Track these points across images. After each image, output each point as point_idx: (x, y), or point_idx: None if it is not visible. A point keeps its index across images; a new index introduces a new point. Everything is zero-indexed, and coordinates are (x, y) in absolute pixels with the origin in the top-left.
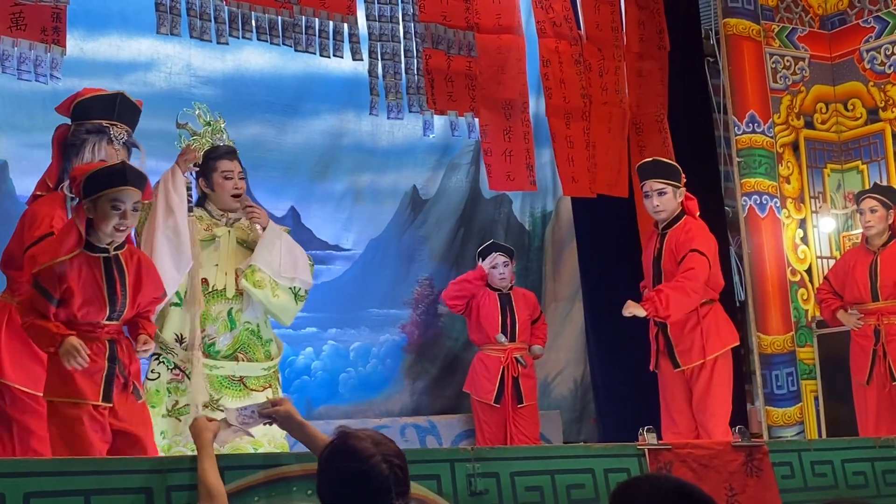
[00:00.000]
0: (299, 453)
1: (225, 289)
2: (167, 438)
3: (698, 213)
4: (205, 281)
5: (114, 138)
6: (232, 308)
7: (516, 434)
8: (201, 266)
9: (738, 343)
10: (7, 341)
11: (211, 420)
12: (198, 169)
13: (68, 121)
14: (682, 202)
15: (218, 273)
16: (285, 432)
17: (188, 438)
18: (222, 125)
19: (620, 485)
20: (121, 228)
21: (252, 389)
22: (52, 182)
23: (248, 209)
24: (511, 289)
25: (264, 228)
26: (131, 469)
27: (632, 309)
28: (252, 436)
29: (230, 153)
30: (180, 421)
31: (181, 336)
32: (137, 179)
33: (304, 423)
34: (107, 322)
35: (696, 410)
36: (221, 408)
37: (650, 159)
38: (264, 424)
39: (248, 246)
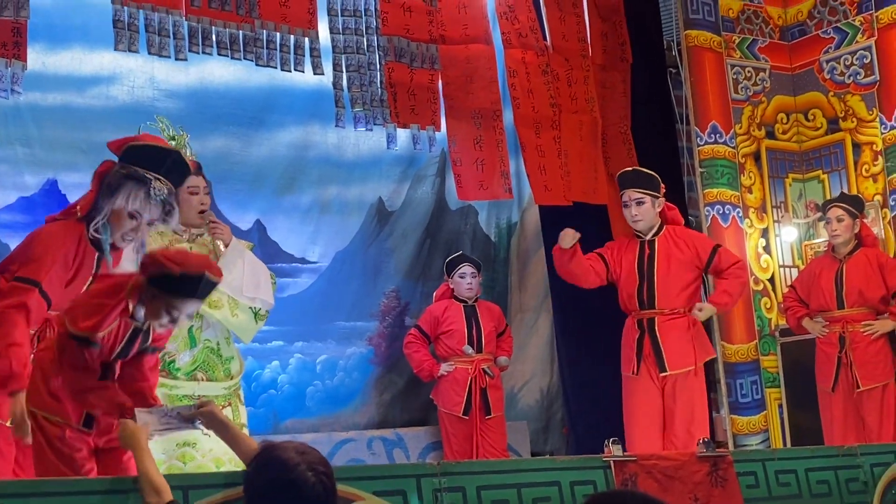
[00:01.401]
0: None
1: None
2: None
3: (683, 223)
4: None
5: (153, 192)
6: (192, 326)
7: (484, 445)
8: None
9: (715, 355)
10: None
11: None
12: None
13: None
14: (661, 212)
15: None
16: None
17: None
18: (186, 140)
19: (587, 501)
20: (167, 328)
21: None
22: (82, 213)
23: (212, 225)
24: (477, 300)
25: (226, 245)
26: (97, 489)
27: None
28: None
29: (195, 169)
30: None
31: None
32: (207, 292)
33: (227, 423)
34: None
35: (681, 419)
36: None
37: (630, 169)
38: (190, 426)
39: None
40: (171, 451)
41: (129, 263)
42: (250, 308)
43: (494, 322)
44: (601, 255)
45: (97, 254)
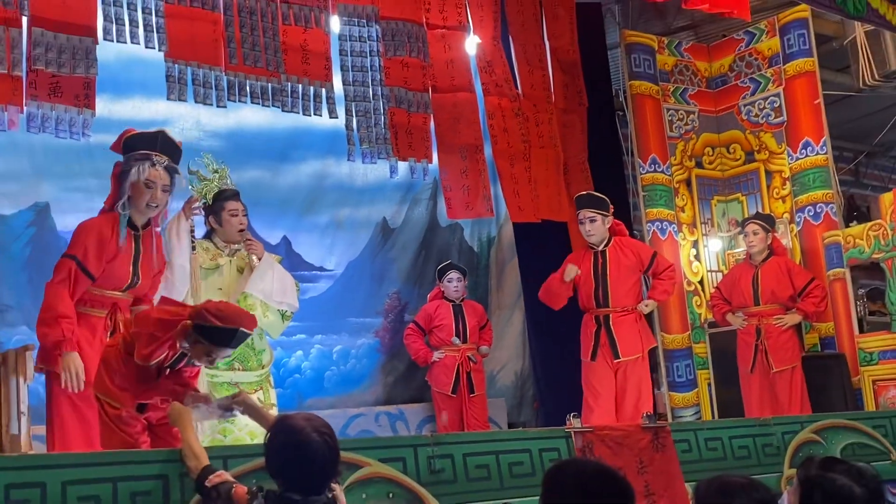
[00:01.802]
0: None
1: None
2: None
3: (627, 234)
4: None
5: (156, 163)
6: None
7: (470, 418)
8: (201, 291)
9: (656, 344)
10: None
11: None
12: (206, 208)
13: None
14: (610, 227)
15: (221, 295)
16: None
17: (198, 432)
18: (227, 172)
19: (550, 467)
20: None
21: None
22: (108, 205)
23: (248, 242)
24: (462, 300)
25: (259, 259)
26: (150, 459)
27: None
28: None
29: (235, 195)
30: None
31: None
32: (240, 342)
33: (257, 406)
34: None
35: (631, 396)
36: None
37: (585, 193)
38: (226, 414)
39: (242, 272)
40: (214, 427)
41: (175, 253)
42: (278, 310)
43: (477, 318)
44: None
45: (134, 233)
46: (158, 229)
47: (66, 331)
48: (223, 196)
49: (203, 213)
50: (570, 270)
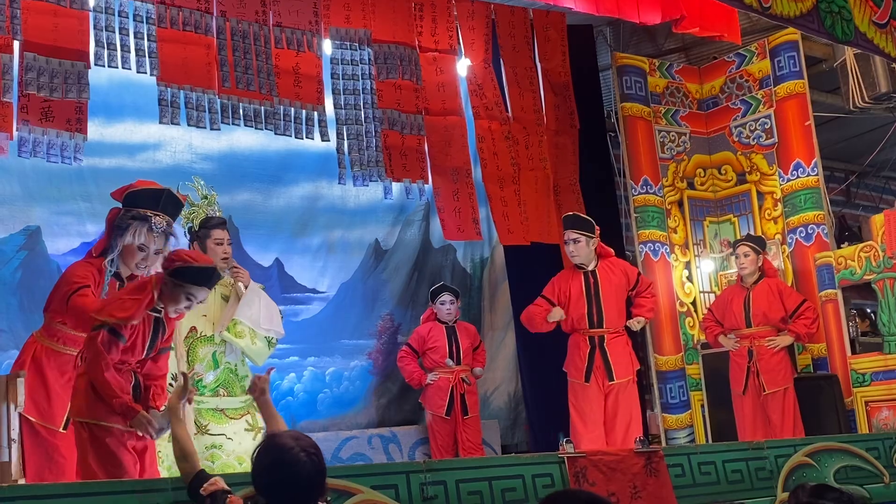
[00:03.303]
0: None
1: (212, 336)
2: (168, 461)
3: (613, 254)
4: (194, 329)
5: (154, 227)
6: (216, 351)
7: (464, 441)
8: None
9: (640, 367)
10: (30, 378)
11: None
12: (192, 234)
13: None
14: (596, 249)
15: (206, 322)
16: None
17: None
18: (216, 198)
19: (543, 499)
20: (182, 313)
21: (231, 418)
22: (97, 252)
23: (234, 270)
24: (456, 322)
25: (246, 287)
26: (139, 490)
27: (636, 323)
28: None
29: (222, 224)
30: None
31: (175, 375)
32: (216, 282)
33: (269, 400)
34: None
35: (622, 420)
36: (209, 431)
37: (571, 213)
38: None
39: (227, 299)
40: (202, 452)
41: None
42: (265, 337)
43: (470, 339)
44: (546, 298)
45: (118, 283)
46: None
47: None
48: (209, 224)
49: (188, 238)
50: (556, 314)
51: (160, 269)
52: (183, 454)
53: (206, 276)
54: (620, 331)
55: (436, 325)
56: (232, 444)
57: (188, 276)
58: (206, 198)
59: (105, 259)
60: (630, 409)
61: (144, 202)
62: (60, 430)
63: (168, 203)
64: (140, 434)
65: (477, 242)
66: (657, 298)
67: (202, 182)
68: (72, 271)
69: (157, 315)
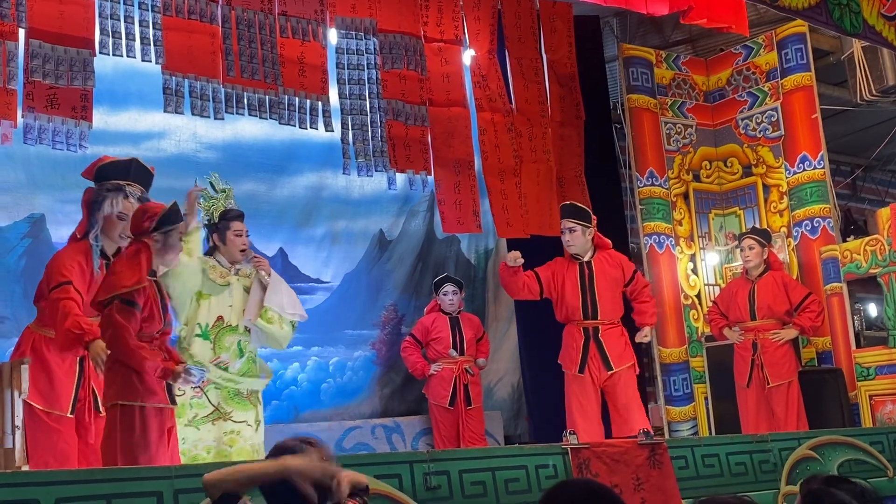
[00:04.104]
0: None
1: (237, 325)
2: (187, 444)
3: (610, 246)
4: (220, 318)
5: (129, 194)
6: (240, 340)
7: (466, 431)
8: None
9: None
10: (32, 367)
11: None
12: (212, 227)
13: (93, 184)
14: (592, 239)
15: (231, 312)
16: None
17: (206, 443)
18: (232, 192)
19: (548, 490)
20: (175, 263)
21: (253, 405)
22: (80, 234)
23: (255, 260)
24: (459, 313)
25: (269, 275)
26: (144, 476)
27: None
28: None
29: (241, 216)
30: (199, 430)
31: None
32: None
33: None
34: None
35: (623, 407)
36: (232, 418)
37: (568, 203)
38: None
39: (248, 290)
40: (220, 438)
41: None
42: (290, 321)
43: (474, 330)
44: (537, 274)
45: (105, 262)
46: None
47: (84, 323)
48: (229, 216)
49: (207, 230)
50: (510, 257)
51: (136, 236)
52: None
53: (179, 212)
54: (616, 322)
55: (439, 316)
56: (250, 432)
57: (172, 219)
58: (223, 191)
59: (89, 238)
60: (631, 394)
61: (115, 174)
62: (68, 414)
63: (138, 172)
64: (182, 386)
65: (481, 234)
66: (654, 300)
67: (218, 176)
68: (54, 263)
69: (156, 280)
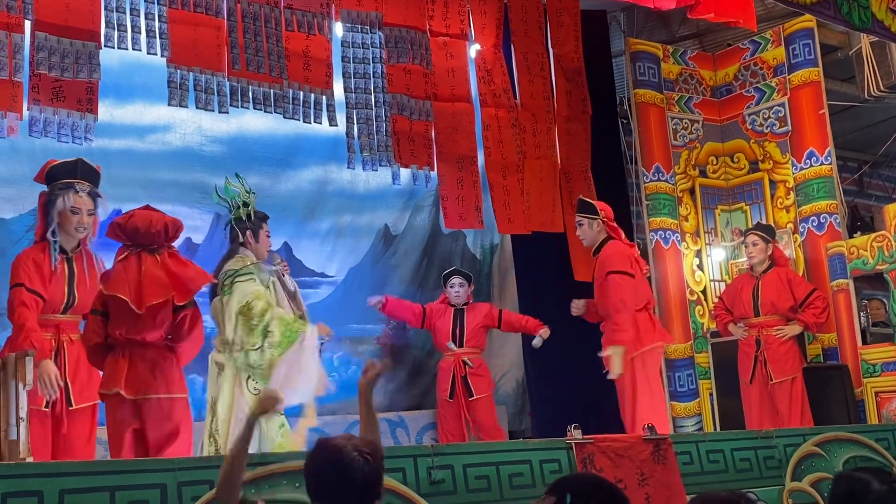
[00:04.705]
0: (284, 453)
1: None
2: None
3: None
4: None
5: (79, 190)
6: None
7: (471, 422)
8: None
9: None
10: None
11: None
12: (246, 225)
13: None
14: (602, 230)
15: (275, 313)
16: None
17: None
18: (254, 198)
19: (552, 484)
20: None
21: None
22: (39, 238)
23: (283, 264)
24: (466, 305)
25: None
26: (148, 468)
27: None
28: None
29: (267, 217)
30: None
31: None
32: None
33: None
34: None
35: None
36: (280, 412)
37: (579, 198)
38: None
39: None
40: (274, 432)
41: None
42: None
43: (480, 319)
44: None
45: (66, 256)
46: (89, 247)
47: (36, 339)
48: (259, 216)
49: (238, 227)
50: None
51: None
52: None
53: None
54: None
55: (446, 308)
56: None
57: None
58: (251, 193)
59: (48, 238)
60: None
61: (63, 174)
62: (43, 407)
63: (84, 170)
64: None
65: (487, 229)
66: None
67: (243, 180)
68: (12, 265)
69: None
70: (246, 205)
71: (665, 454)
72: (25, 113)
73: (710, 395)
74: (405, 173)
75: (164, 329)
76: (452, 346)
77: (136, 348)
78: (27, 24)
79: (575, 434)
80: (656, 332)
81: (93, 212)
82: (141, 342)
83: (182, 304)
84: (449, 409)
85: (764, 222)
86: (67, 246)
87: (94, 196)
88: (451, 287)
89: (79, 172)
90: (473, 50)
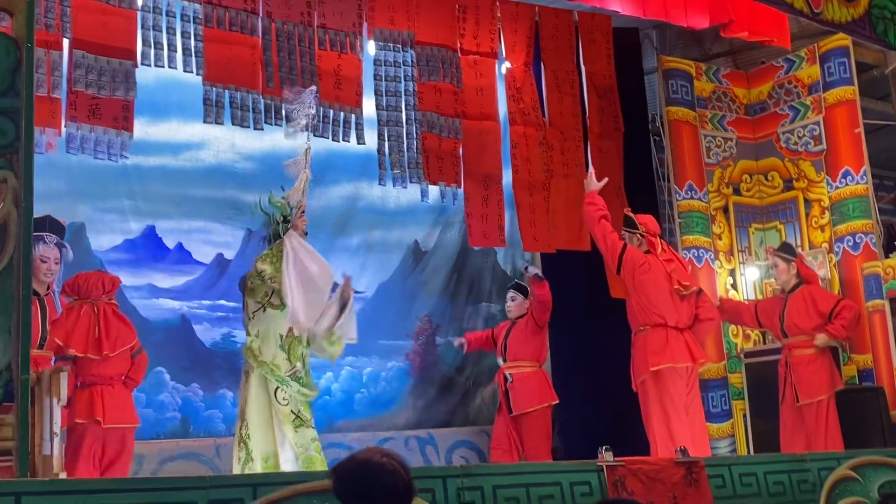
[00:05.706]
0: (312, 472)
1: (299, 336)
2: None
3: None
4: (291, 331)
5: (47, 241)
6: (304, 353)
7: (513, 439)
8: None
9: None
10: None
11: None
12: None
13: None
14: (644, 244)
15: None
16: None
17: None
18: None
19: None
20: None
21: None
22: None
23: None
24: (521, 318)
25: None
26: (179, 486)
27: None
28: None
29: (307, 234)
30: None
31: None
32: None
33: None
34: None
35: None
36: (312, 425)
37: (625, 214)
38: None
39: None
40: (308, 444)
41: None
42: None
43: (520, 331)
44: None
45: (38, 298)
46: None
47: None
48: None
49: (282, 229)
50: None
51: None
52: None
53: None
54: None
55: (507, 322)
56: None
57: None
58: (292, 208)
59: None
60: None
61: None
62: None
63: (51, 225)
64: None
65: (517, 245)
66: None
67: (286, 202)
68: None
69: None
70: (287, 220)
71: (698, 477)
72: (63, 130)
73: (744, 415)
74: (434, 190)
75: None
76: (500, 360)
77: None
78: (65, 42)
79: (606, 456)
80: (666, 352)
81: (59, 260)
82: None
83: None
84: (498, 424)
85: (796, 242)
86: (39, 290)
87: (60, 247)
88: (506, 301)
89: (47, 227)
90: (503, 68)
